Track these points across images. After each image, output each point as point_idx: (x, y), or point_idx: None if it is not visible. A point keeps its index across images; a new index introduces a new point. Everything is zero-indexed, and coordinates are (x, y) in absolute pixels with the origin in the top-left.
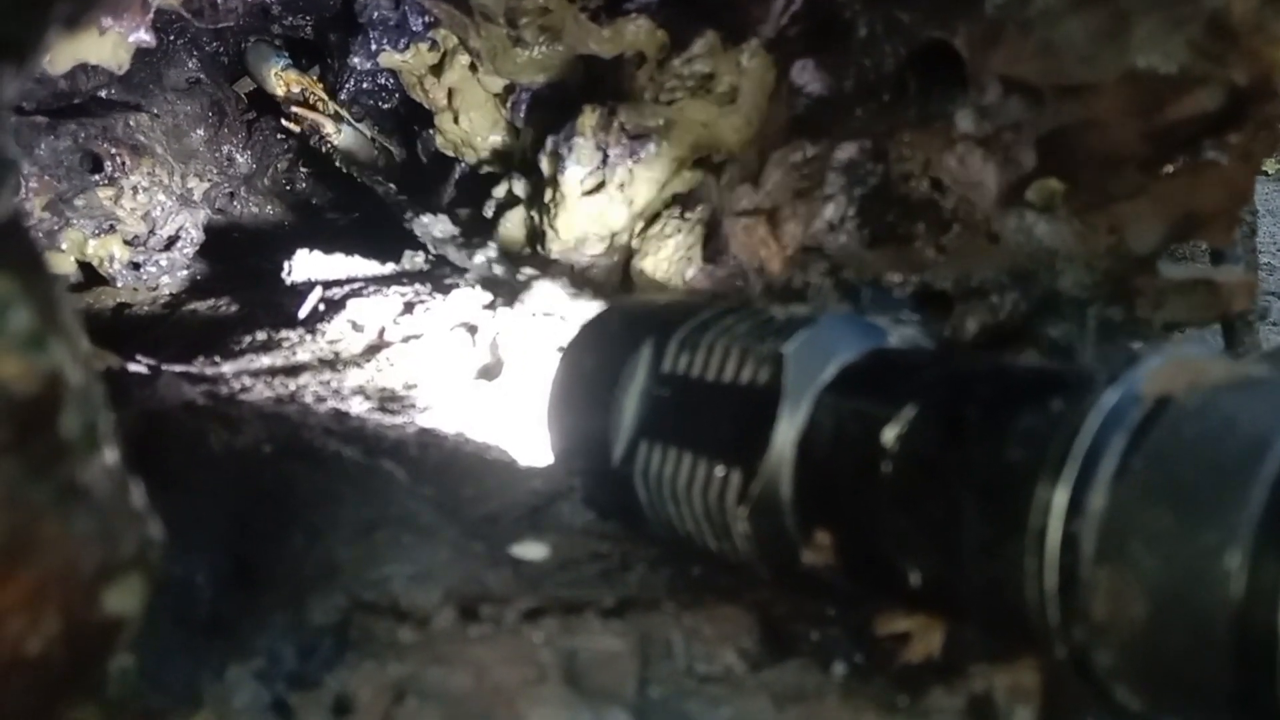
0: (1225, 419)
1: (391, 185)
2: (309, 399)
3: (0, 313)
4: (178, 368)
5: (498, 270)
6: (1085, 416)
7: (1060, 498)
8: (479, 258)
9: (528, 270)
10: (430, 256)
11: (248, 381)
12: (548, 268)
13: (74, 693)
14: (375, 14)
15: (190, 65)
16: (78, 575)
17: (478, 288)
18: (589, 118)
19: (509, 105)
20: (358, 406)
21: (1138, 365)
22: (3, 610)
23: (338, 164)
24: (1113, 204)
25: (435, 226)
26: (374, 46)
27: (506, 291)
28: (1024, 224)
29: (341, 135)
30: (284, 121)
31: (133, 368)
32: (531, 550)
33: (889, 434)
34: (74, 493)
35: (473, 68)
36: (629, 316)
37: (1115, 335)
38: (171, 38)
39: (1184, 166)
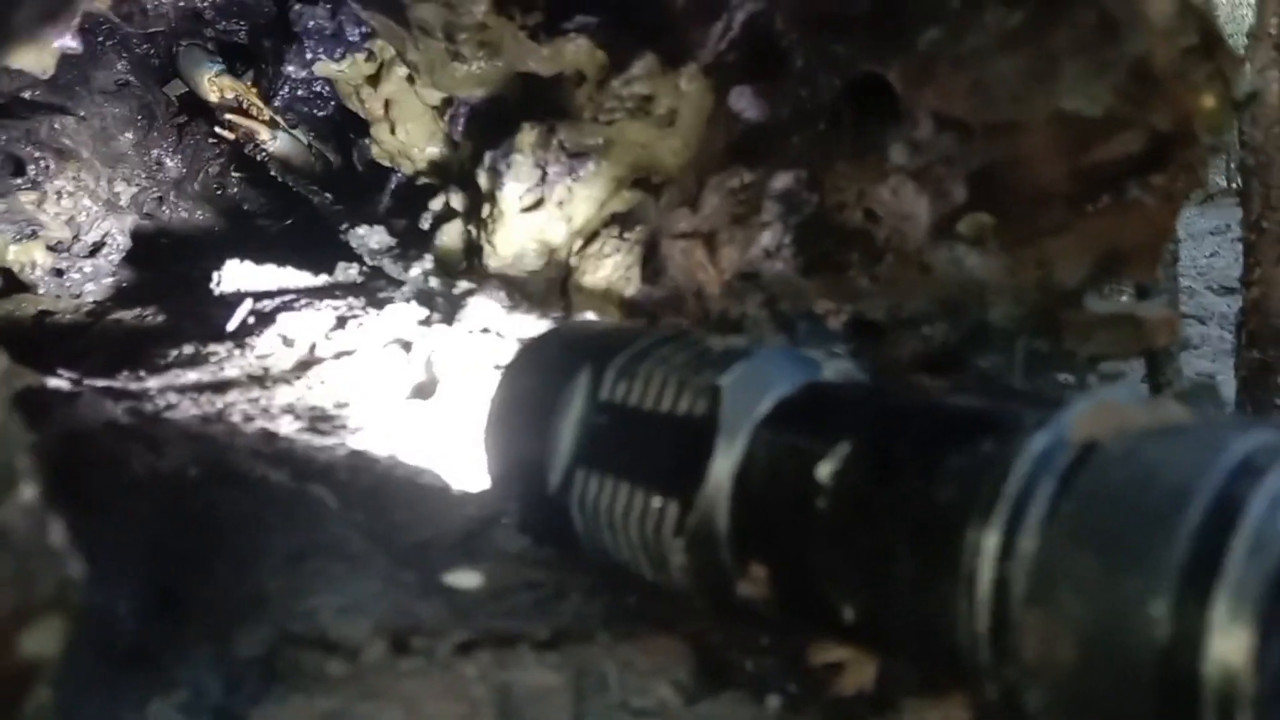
0: (1150, 465)
1: (327, 195)
2: (237, 418)
3: None
4: (101, 383)
5: (433, 283)
6: (1015, 459)
7: (991, 540)
8: (414, 270)
9: (464, 284)
10: (364, 269)
11: (173, 399)
12: (484, 282)
13: None
14: (310, 23)
15: (119, 68)
16: None
17: (413, 303)
18: (528, 135)
19: (447, 118)
20: (287, 426)
21: (1065, 409)
22: None
23: (272, 172)
24: (1041, 239)
25: (371, 238)
26: (309, 55)
27: (442, 307)
28: (955, 256)
29: (277, 142)
30: (218, 129)
31: (53, 383)
32: (465, 579)
33: (824, 470)
34: None
35: (410, 79)
36: (567, 341)
37: (1043, 367)
38: (100, 39)
39: (1109, 205)
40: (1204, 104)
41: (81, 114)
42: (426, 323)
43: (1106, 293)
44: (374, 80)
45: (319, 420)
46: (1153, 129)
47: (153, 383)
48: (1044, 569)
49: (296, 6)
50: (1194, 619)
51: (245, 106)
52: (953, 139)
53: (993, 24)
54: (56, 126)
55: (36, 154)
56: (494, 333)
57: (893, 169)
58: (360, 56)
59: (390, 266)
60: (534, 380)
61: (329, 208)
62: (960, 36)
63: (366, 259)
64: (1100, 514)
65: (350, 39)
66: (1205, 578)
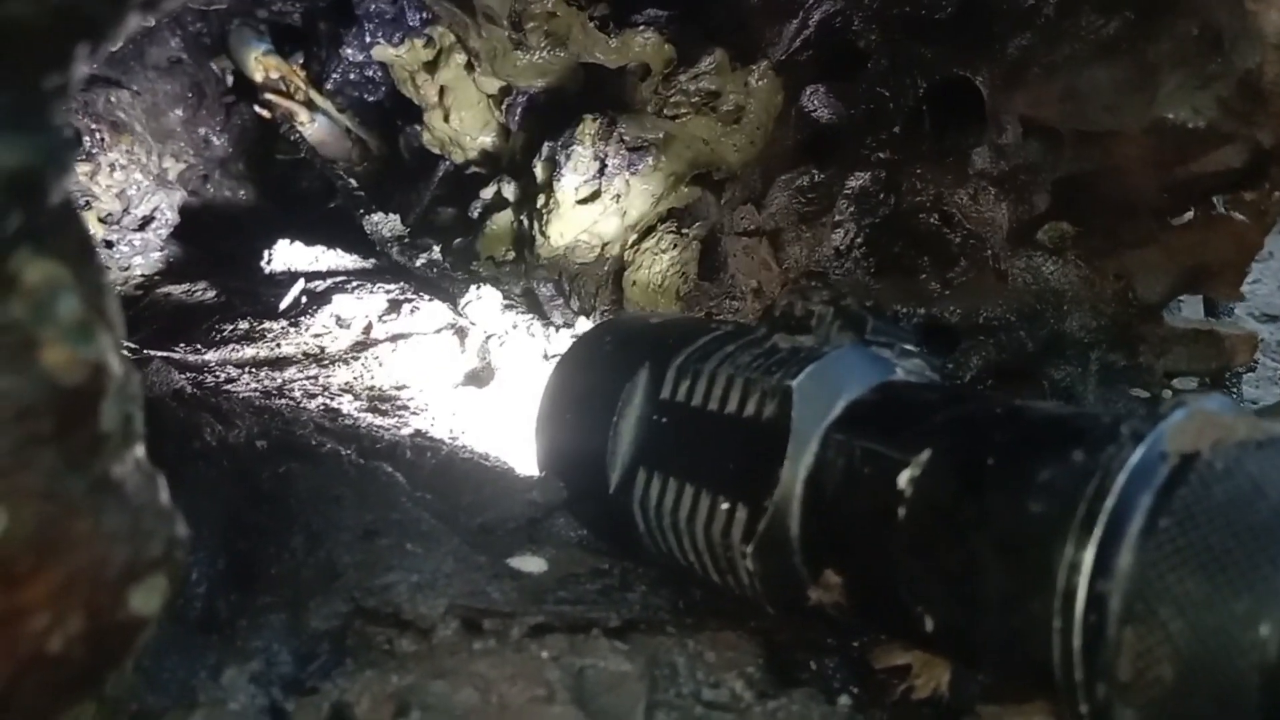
0: (1253, 480)
1: (351, 180)
2: (298, 394)
3: (50, 300)
4: (161, 353)
5: (444, 263)
6: (1112, 473)
7: (1088, 556)
8: (421, 259)
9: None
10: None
11: (233, 372)
12: (534, 272)
13: (87, 692)
14: (372, 6)
15: (173, 44)
16: (106, 573)
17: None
18: (589, 126)
19: (503, 107)
20: (348, 405)
21: (1162, 420)
22: (28, 606)
23: (304, 154)
24: (1123, 250)
25: (385, 226)
26: (368, 39)
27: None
28: (1033, 264)
29: (314, 125)
30: (257, 107)
31: None
32: (530, 563)
33: (904, 478)
34: (109, 487)
35: (469, 67)
36: (624, 336)
37: (1117, 380)
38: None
39: (1197, 219)
40: None
41: (135, 89)
42: (480, 309)
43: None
44: (431, 66)
45: (379, 400)
46: (1256, 143)
47: (211, 356)
48: (1143, 586)
49: None
50: None
51: (288, 88)
52: (1039, 146)
53: (1088, 31)
54: (112, 100)
55: (93, 125)
56: (544, 322)
57: (974, 174)
58: (419, 42)
59: (397, 254)
60: (590, 376)
61: (352, 192)
62: (1053, 43)
63: (377, 246)
64: (1203, 531)
65: (411, 24)
66: None
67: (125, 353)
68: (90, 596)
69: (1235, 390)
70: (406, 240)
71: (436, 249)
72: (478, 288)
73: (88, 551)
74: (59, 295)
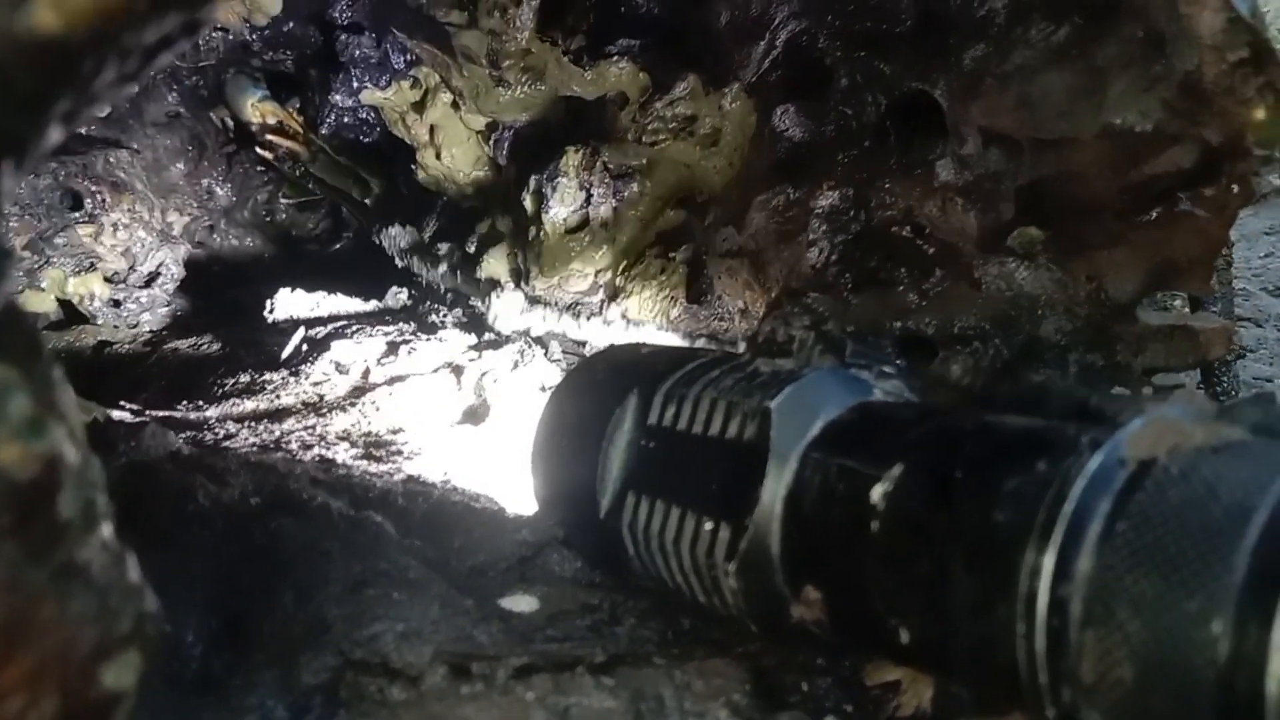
0: (1207, 484)
1: (365, 201)
2: (295, 446)
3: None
4: (161, 413)
5: (459, 278)
6: (1071, 480)
7: (1048, 561)
8: (442, 267)
9: (510, 305)
10: (413, 293)
11: (232, 427)
12: (531, 304)
13: None
14: (356, 52)
15: (170, 99)
16: (76, 654)
17: (459, 331)
18: (572, 157)
19: (491, 142)
20: (344, 454)
21: (1120, 428)
22: (2, 691)
23: (310, 185)
24: (1092, 252)
25: (402, 238)
26: (355, 84)
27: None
28: (1005, 271)
29: (316, 164)
30: (258, 149)
31: (116, 415)
32: (521, 603)
33: (877, 493)
34: (72, 572)
35: (455, 105)
36: (614, 365)
37: (1096, 380)
38: (151, 73)
39: (1161, 217)
40: (1255, 117)
41: (134, 146)
42: (476, 348)
43: (1160, 300)
44: (419, 106)
45: (374, 446)
46: (1204, 142)
47: (212, 412)
48: (1101, 589)
49: (342, 36)
50: (1255, 637)
51: (287, 130)
52: (1000, 154)
53: (1038, 40)
54: (111, 160)
55: (93, 187)
56: (541, 355)
57: (940, 185)
58: (405, 83)
59: (417, 264)
60: (582, 405)
61: (366, 210)
62: (1006, 52)
63: (398, 258)
64: (1158, 533)
65: (395, 66)
66: (1266, 596)
67: (83, 441)
68: (63, 677)
69: (1225, 376)
70: (425, 248)
71: (455, 256)
72: (498, 295)
73: (56, 635)
74: (7, 395)
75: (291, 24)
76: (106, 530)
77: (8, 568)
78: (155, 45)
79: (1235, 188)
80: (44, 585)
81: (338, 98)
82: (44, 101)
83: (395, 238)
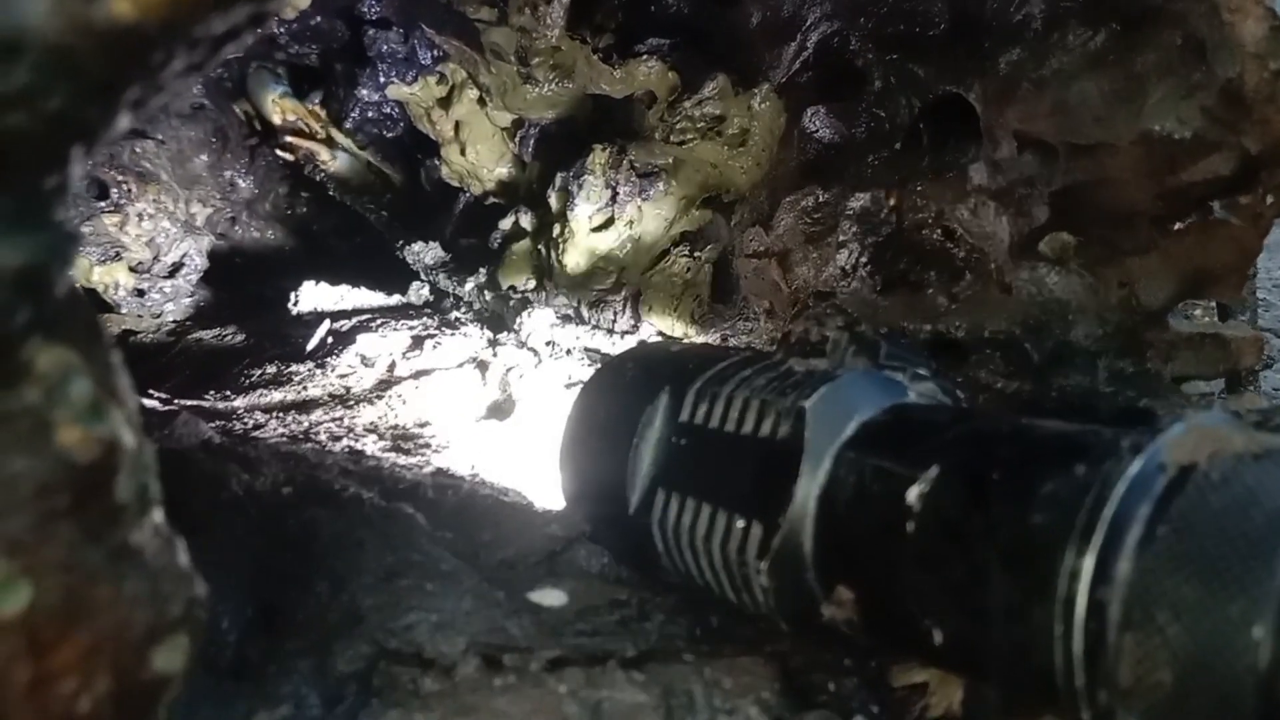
0: (1249, 490)
1: (384, 212)
2: (323, 437)
3: (62, 384)
4: (190, 402)
5: (488, 296)
6: (1111, 484)
7: (1087, 564)
8: (469, 284)
9: (520, 297)
10: (435, 289)
11: (260, 418)
12: (554, 301)
13: None
14: (384, 47)
15: (195, 91)
16: (129, 636)
17: (484, 328)
18: (600, 156)
19: (517, 139)
20: (372, 446)
21: (1161, 433)
22: (57, 671)
23: (331, 191)
24: (1124, 258)
25: (426, 254)
26: (381, 79)
27: (504, 323)
28: (1036, 276)
29: (336, 163)
30: (279, 150)
31: (147, 403)
32: (550, 597)
33: (913, 494)
34: (127, 555)
35: (481, 101)
36: (645, 363)
37: (1126, 387)
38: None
39: (1195, 225)
40: None
41: (160, 137)
42: (500, 342)
43: (1186, 310)
44: (445, 102)
45: (402, 439)
46: (1243, 150)
47: (239, 402)
48: (1141, 593)
49: (370, 31)
50: None
51: (308, 129)
52: (1035, 159)
53: (1075, 45)
54: (138, 150)
55: (119, 177)
56: (565, 352)
57: (973, 189)
58: (432, 79)
59: (445, 281)
60: (612, 402)
61: (386, 223)
62: (1042, 58)
63: (423, 275)
64: (1199, 538)
65: (423, 62)
66: None
67: (139, 426)
68: (116, 659)
69: (1251, 387)
70: (451, 265)
71: (483, 273)
72: (529, 314)
73: (111, 616)
74: (70, 379)
75: (319, 18)
76: (159, 515)
77: (66, 548)
78: (223, 36)
79: (1271, 197)
80: (100, 566)
81: (363, 92)
82: (116, 89)
83: (419, 253)
